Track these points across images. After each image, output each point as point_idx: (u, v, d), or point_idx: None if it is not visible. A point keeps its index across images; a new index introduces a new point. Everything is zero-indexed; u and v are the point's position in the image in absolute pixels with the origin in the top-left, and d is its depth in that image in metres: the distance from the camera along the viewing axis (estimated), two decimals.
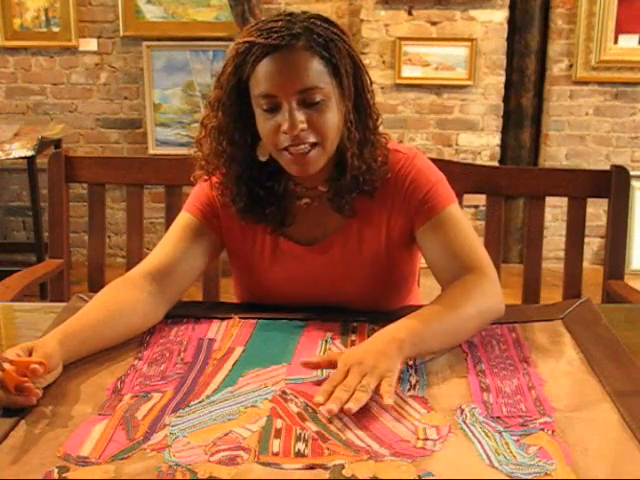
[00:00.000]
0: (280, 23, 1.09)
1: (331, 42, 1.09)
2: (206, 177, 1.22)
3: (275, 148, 1.12)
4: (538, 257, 1.64)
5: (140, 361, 1.05)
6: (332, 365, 0.97)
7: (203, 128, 1.18)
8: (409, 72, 3.62)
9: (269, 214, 1.21)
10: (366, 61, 3.58)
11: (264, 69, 1.08)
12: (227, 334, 1.14)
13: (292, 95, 1.08)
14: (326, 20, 1.13)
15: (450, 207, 1.19)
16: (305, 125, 1.09)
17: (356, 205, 1.20)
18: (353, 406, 0.86)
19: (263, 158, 1.16)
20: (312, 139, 1.10)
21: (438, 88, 3.67)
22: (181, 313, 1.21)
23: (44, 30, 3.74)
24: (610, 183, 1.60)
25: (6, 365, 0.89)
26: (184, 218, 1.24)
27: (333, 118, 1.11)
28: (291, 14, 1.12)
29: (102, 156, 3.62)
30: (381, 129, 1.20)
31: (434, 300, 1.11)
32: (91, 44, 3.77)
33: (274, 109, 1.10)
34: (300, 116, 1.08)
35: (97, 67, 3.80)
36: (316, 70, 1.08)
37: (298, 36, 1.07)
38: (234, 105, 1.14)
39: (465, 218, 1.22)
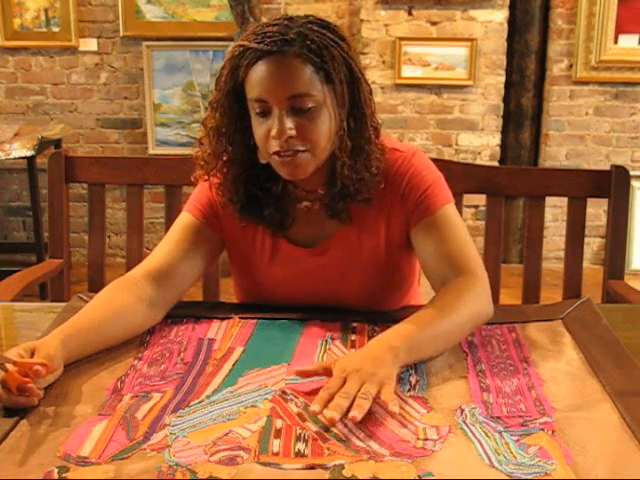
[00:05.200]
0: (276, 28, 1.08)
1: (325, 49, 1.08)
2: (206, 177, 1.22)
3: (266, 152, 1.12)
4: (538, 257, 1.63)
5: (140, 361, 1.05)
6: (328, 372, 0.95)
7: (204, 128, 1.18)
8: (409, 72, 3.62)
9: (268, 216, 1.20)
10: (366, 61, 3.58)
11: (257, 74, 1.08)
12: (227, 334, 1.14)
13: (282, 101, 1.07)
14: (325, 26, 1.11)
15: (446, 207, 1.18)
16: (294, 132, 1.08)
17: (354, 210, 1.19)
18: (357, 414, 0.84)
19: (263, 160, 1.16)
20: (301, 146, 1.09)
21: (438, 88, 3.67)
22: (181, 313, 1.21)
23: (44, 30, 3.74)
24: (610, 183, 1.60)
25: (9, 366, 0.89)
26: (185, 218, 1.24)
27: (324, 126, 1.10)
28: (290, 18, 1.11)
29: (102, 156, 3.62)
30: (381, 131, 1.19)
31: (428, 304, 1.10)
32: (91, 44, 3.77)
33: (266, 113, 1.09)
34: (289, 123, 1.08)
35: (97, 67, 3.80)
36: (308, 77, 1.07)
37: (291, 42, 1.06)
38: (232, 107, 1.14)
39: (460, 219, 1.21)
